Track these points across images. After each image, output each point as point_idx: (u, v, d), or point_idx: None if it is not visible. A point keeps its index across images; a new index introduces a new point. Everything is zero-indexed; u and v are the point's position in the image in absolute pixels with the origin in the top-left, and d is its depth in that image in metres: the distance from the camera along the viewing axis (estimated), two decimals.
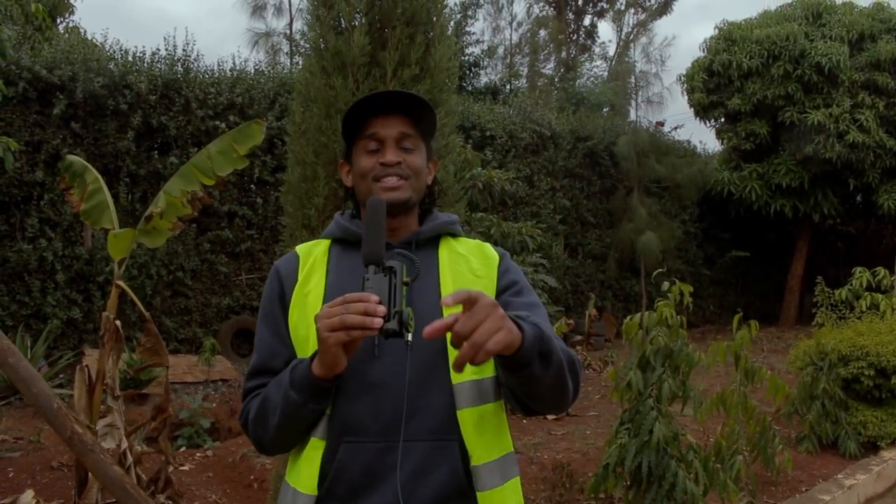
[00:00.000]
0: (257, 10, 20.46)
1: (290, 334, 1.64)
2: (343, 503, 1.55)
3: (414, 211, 1.72)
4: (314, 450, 1.57)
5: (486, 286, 1.67)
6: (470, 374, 1.58)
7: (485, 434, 1.60)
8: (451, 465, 1.55)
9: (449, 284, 1.64)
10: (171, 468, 4.13)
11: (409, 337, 1.42)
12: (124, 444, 3.76)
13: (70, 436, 3.15)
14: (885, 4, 14.08)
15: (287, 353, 1.64)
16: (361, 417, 1.54)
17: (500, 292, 1.68)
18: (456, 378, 1.57)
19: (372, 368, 1.55)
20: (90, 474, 3.54)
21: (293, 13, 20.05)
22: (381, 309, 1.38)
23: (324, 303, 1.57)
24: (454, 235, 1.77)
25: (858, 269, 7.70)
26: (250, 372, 1.68)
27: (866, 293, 7.42)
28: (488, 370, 1.62)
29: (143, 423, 4.19)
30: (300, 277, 1.67)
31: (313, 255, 1.71)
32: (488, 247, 1.77)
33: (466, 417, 1.57)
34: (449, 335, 1.49)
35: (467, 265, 1.70)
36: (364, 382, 1.55)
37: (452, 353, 1.54)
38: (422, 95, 1.65)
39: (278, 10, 20.64)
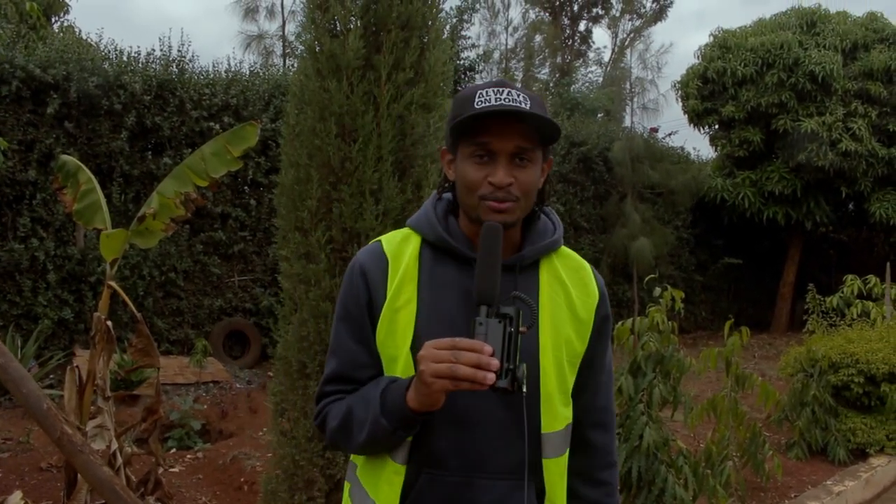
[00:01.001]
0: (249, 13, 20.47)
1: (376, 346, 1.57)
2: None
3: (518, 224, 1.57)
4: (396, 475, 1.53)
5: (582, 332, 1.61)
6: (560, 423, 1.58)
7: (563, 480, 1.61)
8: None
9: (547, 324, 1.56)
10: (161, 470, 4.12)
11: (521, 393, 1.36)
12: (114, 446, 3.74)
13: (60, 437, 3.14)
14: (879, 15, 14.16)
15: (373, 364, 1.58)
16: (444, 451, 1.51)
17: (591, 343, 1.63)
18: (547, 428, 1.56)
19: (459, 401, 1.48)
20: (79, 475, 3.53)
21: (285, 16, 20.08)
22: (495, 363, 1.29)
23: (416, 324, 1.51)
24: (555, 248, 1.65)
25: (850, 276, 7.75)
26: (329, 378, 1.62)
27: (857, 301, 7.47)
28: (570, 414, 1.62)
29: (133, 424, 4.18)
30: (390, 291, 1.55)
31: (404, 261, 1.57)
32: (590, 274, 1.67)
33: (553, 467, 1.58)
34: (544, 382, 1.53)
35: (566, 297, 1.61)
36: (450, 414, 1.49)
37: (546, 402, 1.55)
38: (539, 112, 1.47)
39: (270, 12, 20.67)
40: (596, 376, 1.67)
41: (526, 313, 1.41)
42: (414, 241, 1.60)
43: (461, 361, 1.29)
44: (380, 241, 1.63)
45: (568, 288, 1.61)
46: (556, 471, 1.58)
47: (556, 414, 1.56)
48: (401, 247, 1.60)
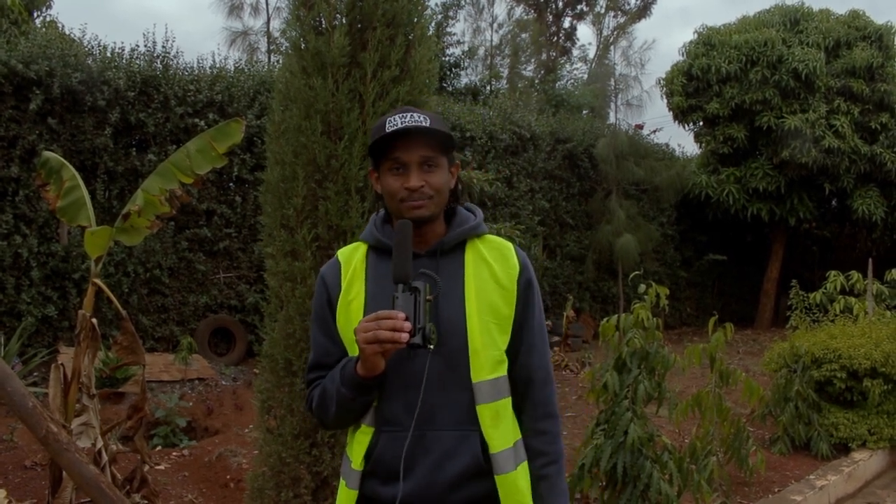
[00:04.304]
0: (234, 10, 20.36)
1: (339, 335, 1.91)
2: (383, 482, 1.83)
3: (440, 217, 1.91)
4: (364, 434, 1.87)
5: (507, 297, 1.89)
6: (487, 374, 1.85)
7: (500, 425, 1.86)
8: (473, 452, 1.82)
9: (472, 293, 1.86)
10: (146, 467, 4.11)
11: (431, 347, 1.70)
12: (99, 444, 3.73)
13: (45, 435, 3.13)
14: (861, 13, 14.25)
15: (338, 351, 1.92)
16: (398, 412, 1.82)
17: (518, 308, 1.90)
18: (476, 378, 1.84)
19: (406, 370, 1.81)
20: (65, 473, 3.52)
21: (270, 12, 19.99)
22: (408, 325, 1.64)
23: (365, 310, 1.84)
24: (479, 235, 1.95)
25: (833, 272, 7.81)
26: (310, 366, 1.99)
27: (840, 297, 7.52)
28: (502, 369, 1.89)
29: (118, 422, 4.16)
30: (343, 286, 1.91)
31: (353, 263, 1.94)
32: (510, 251, 1.94)
33: (485, 412, 1.84)
34: (471, 339, 1.83)
35: (490, 272, 1.89)
36: (400, 382, 1.82)
37: (474, 356, 1.84)
38: (437, 126, 1.81)
39: (255, 9, 20.56)
40: (528, 338, 1.93)
41: (432, 285, 1.78)
42: (362, 248, 1.97)
43: (381, 328, 1.64)
44: (338, 253, 2.01)
45: (491, 264, 1.90)
46: (487, 415, 1.84)
47: (483, 365, 1.83)
48: (352, 254, 1.97)
